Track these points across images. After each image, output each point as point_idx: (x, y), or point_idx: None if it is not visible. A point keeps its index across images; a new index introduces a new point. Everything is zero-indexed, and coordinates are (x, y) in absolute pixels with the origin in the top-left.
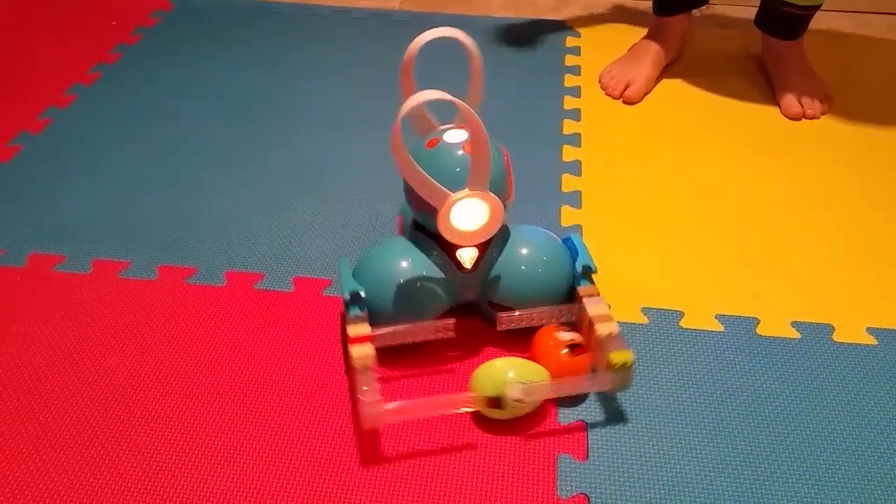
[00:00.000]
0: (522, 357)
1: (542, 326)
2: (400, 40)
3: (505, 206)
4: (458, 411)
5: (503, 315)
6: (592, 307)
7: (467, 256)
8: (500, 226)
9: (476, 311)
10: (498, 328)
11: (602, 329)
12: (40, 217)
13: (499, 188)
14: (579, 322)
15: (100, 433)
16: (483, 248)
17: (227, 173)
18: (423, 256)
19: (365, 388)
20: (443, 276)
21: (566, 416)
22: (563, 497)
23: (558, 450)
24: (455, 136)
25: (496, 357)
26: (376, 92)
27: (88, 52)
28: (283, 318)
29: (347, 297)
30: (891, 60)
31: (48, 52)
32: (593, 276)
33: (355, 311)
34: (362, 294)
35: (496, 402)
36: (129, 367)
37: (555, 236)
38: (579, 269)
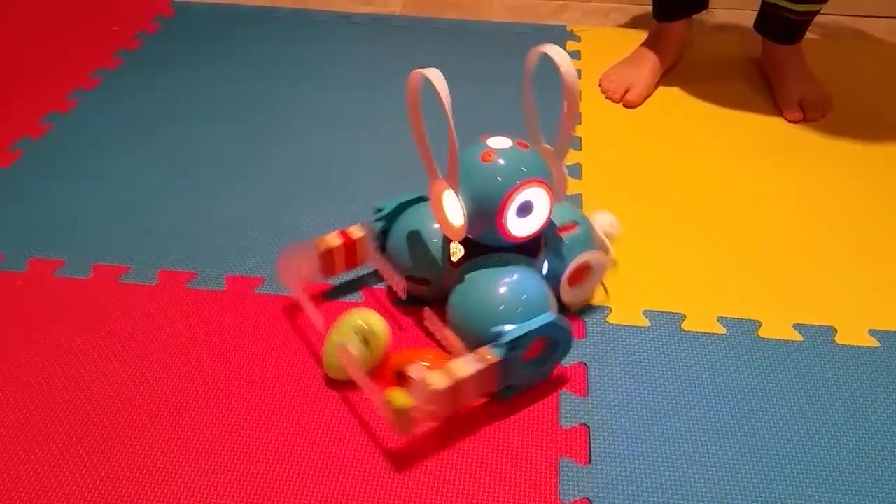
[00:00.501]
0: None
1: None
2: (400, 45)
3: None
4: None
5: (430, 314)
6: (459, 362)
7: (452, 249)
8: (457, 238)
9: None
10: (423, 321)
11: (429, 375)
12: (41, 222)
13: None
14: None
15: (100, 438)
16: (471, 254)
17: (228, 177)
18: (432, 225)
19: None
20: (439, 252)
21: (569, 420)
22: (566, 501)
23: (561, 454)
24: (501, 142)
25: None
26: (376, 96)
27: (90, 57)
28: (284, 322)
29: (375, 211)
30: (890, 63)
31: (50, 57)
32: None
33: (372, 224)
34: (385, 212)
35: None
36: (130, 371)
37: (547, 305)
38: (493, 330)
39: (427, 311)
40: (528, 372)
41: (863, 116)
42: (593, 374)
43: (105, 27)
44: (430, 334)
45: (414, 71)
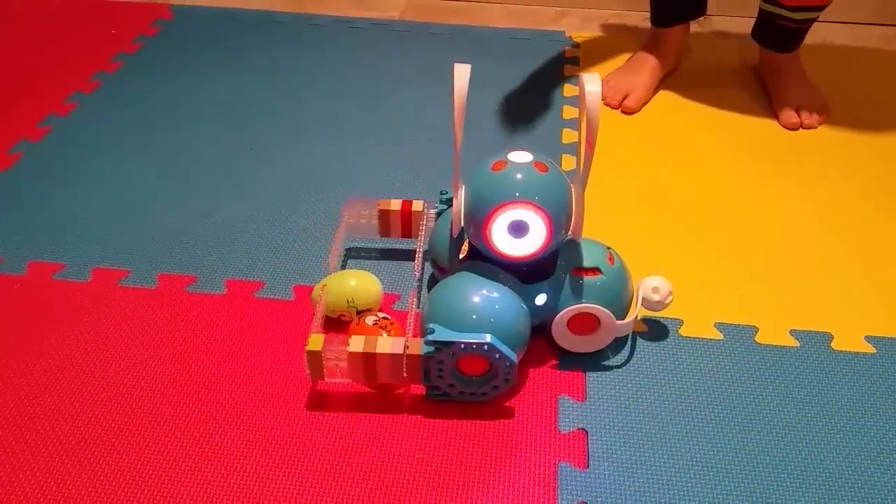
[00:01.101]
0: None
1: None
2: (400, 50)
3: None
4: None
5: (412, 293)
6: (384, 338)
7: (464, 247)
8: (453, 234)
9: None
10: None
11: (353, 339)
12: (40, 225)
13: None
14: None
15: (100, 442)
16: (473, 255)
17: (228, 181)
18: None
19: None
20: (456, 244)
21: (567, 424)
22: None
23: (559, 458)
24: (521, 157)
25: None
26: (376, 101)
27: (89, 60)
28: (284, 326)
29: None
30: (887, 70)
31: (48, 60)
32: None
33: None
34: (446, 194)
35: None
36: (130, 375)
37: (513, 330)
38: (429, 324)
39: (411, 292)
40: (463, 386)
41: (860, 123)
42: (591, 379)
43: (104, 30)
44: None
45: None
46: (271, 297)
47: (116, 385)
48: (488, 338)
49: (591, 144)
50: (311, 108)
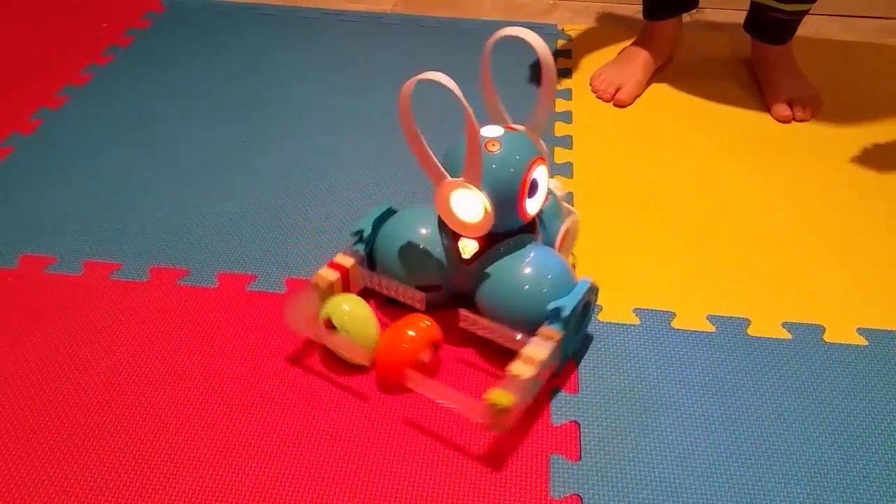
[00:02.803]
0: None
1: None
2: (392, 43)
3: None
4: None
5: (466, 314)
6: (532, 347)
7: (468, 247)
8: (484, 232)
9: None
10: (459, 324)
11: (515, 368)
12: (31, 218)
13: (551, 233)
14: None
15: (92, 435)
16: (486, 245)
17: (219, 175)
18: (435, 231)
19: (300, 299)
20: (442, 254)
21: (559, 417)
22: (556, 498)
23: (551, 450)
24: (491, 131)
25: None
26: (368, 94)
27: (80, 53)
28: (276, 319)
29: (354, 233)
30: (879, 63)
31: (39, 53)
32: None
33: (354, 248)
34: (365, 234)
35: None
36: (122, 369)
37: (569, 272)
38: (549, 307)
39: (463, 313)
40: (573, 342)
41: (852, 116)
42: (583, 371)
43: (95, 24)
44: (470, 334)
45: (406, 83)
46: (263, 290)
47: (108, 379)
48: (588, 281)
49: (550, 90)
50: (302, 102)
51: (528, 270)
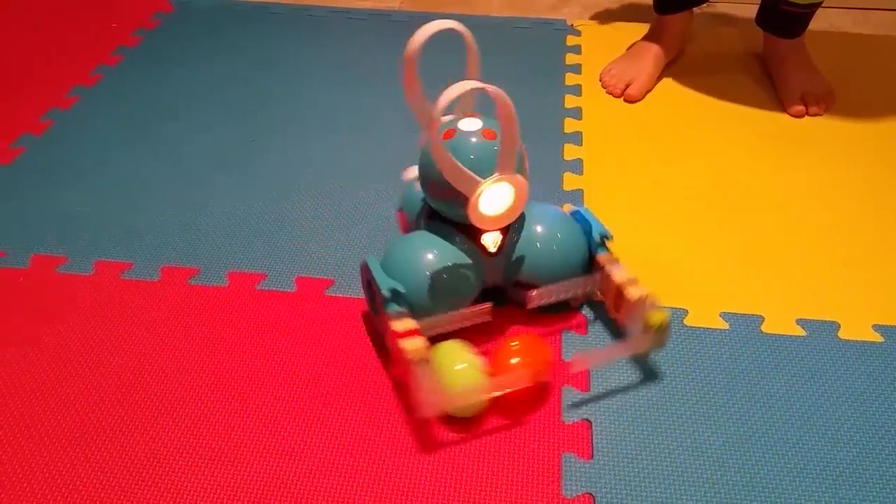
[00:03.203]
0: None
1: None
2: (400, 40)
3: None
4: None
5: (533, 293)
6: (617, 273)
7: (491, 240)
8: (517, 215)
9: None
10: (528, 307)
11: (633, 293)
12: (43, 218)
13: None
14: (605, 290)
15: (103, 434)
16: (505, 230)
17: (229, 173)
18: (448, 245)
19: (430, 379)
20: (471, 262)
21: (571, 416)
22: (569, 497)
23: (563, 449)
24: (471, 124)
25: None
26: (377, 92)
27: (89, 54)
28: (286, 318)
29: (388, 294)
30: (893, 57)
31: (49, 54)
32: (609, 243)
33: (395, 308)
34: (401, 290)
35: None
36: (133, 368)
37: (564, 211)
38: (597, 237)
39: (530, 294)
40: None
41: (866, 110)
42: (595, 369)
43: (104, 24)
44: (543, 309)
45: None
46: (274, 288)
47: (120, 378)
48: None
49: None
50: (310, 100)
51: (544, 226)
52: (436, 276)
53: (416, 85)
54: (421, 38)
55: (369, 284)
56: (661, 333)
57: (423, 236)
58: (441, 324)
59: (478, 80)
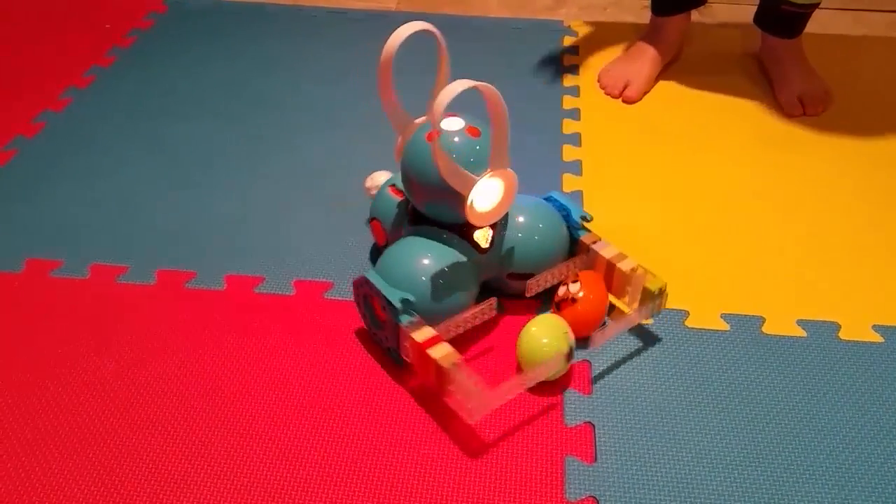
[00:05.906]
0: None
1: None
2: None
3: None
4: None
5: (531, 281)
6: (606, 251)
7: (483, 236)
8: (508, 208)
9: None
10: (528, 294)
11: (625, 265)
12: (37, 222)
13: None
14: (595, 267)
15: (98, 439)
16: (493, 225)
17: (225, 176)
18: (443, 247)
19: (469, 380)
20: (467, 260)
21: (573, 418)
22: (572, 500)
23: (566, 452)
24: (453, 123)
25: (528, 323)
26: (373, 93)
27: (83, 54)
28: (284, 321)
29: (400, 305)
30: (890, 58)
31: (42, 55)
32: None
33: (409, 318)
34: (412, 299)
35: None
36: (129, 372)
37: (538, 199)
38: (577, 219)
39: (529, 283)
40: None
41: (863, 111)
42: (597, 371)
43: (98, 25)
44: (545, 291)
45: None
46: (272, 292)
47: (116, 382)
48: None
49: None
50: (307, 101)
51: (525, 216)
52: (438, 280)
53: (392, 92)
54: (394, 44)
55: (367, 299)
56: (661, 299)
57: (415, 242)
58: (452, 328)
59: (448, 80)
